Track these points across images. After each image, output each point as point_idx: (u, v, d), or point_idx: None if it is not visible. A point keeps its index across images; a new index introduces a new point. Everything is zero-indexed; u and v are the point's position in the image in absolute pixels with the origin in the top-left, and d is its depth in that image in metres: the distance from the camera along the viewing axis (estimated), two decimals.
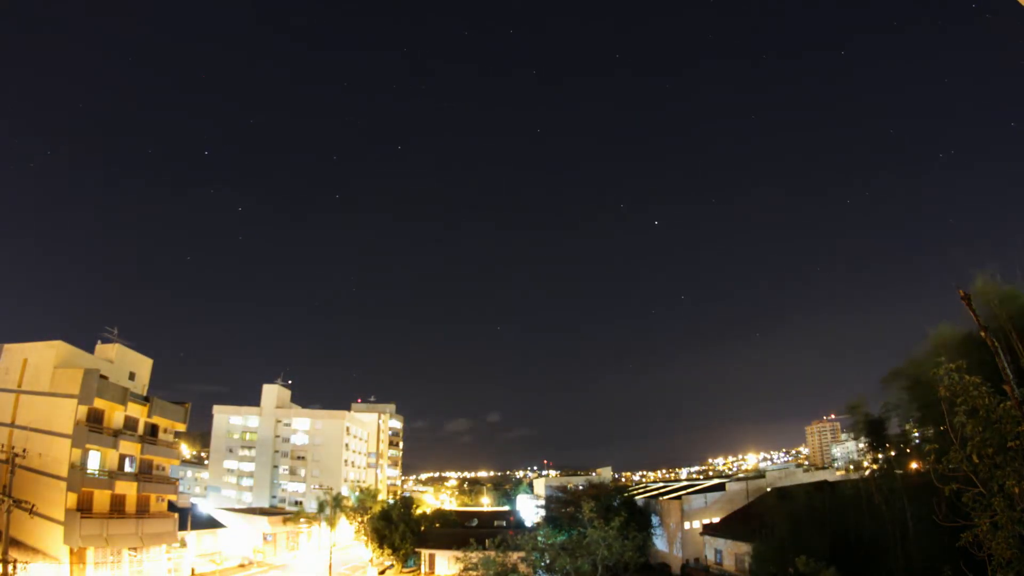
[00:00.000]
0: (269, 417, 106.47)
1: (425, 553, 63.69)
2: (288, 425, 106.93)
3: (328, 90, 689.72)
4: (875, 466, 39.85)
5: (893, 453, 38.90)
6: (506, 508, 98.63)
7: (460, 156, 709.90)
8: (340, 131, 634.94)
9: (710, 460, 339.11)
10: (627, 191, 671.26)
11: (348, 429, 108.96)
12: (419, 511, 73.25)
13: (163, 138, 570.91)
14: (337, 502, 67.20)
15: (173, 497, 54.89)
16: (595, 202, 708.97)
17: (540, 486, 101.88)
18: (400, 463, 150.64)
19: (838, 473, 78.44)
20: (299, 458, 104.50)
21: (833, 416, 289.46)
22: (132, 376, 53.15)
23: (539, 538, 52.84)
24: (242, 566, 63.15)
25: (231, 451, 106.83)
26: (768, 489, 56.17)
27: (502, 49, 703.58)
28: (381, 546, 63.21)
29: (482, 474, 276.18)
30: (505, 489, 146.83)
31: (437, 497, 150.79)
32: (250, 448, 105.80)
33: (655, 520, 60.00)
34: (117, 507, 46.83)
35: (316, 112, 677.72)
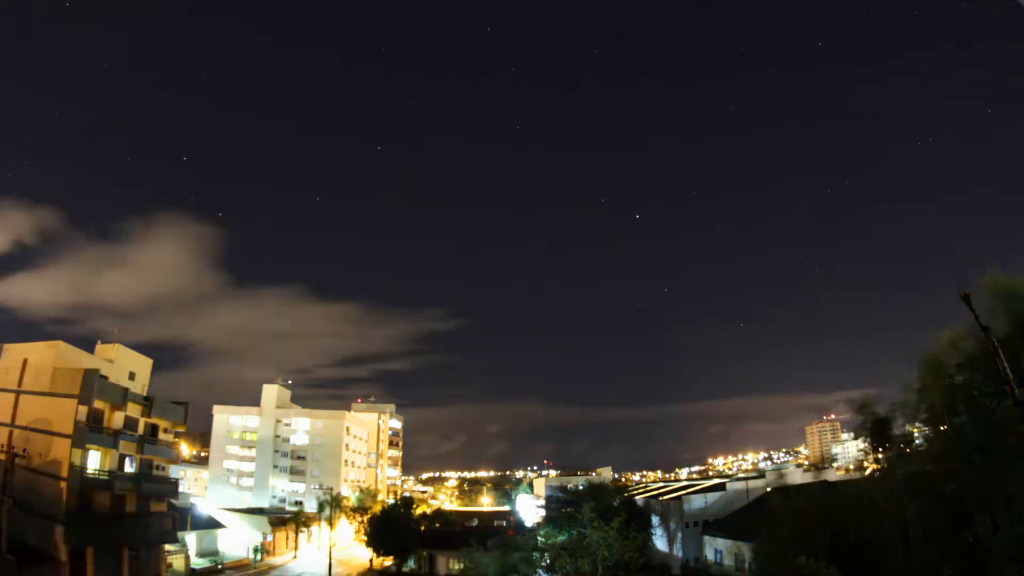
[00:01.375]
0: (269, 417, 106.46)
1: (425, 553, 63.68)
2: (288, 425, 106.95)
3: (308, 90, 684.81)
4: (876, 466, 39.85)
5: (894, 453, 38.88)
6: (506, 508, 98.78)
7: (443, 154, 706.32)
8: (321, 132, 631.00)
9: (710, 460, 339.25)
10: (611, 186, 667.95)
11: (348, 429, 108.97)
12: (419, 511, 73.30)
13: (146, 139, 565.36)
14: (337, 502, 67.25)
15: (173, 497, 54.86)
16: (577, 197, 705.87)
17: (540, 486, 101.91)
18: (400, 463, 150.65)
19: (838, 473, 78.38)
20: (299, 458, 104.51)
21: (833, 416, 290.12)
22: (132, 376, 53.14)
23: (539, 538, 52.84)
24: (242, 566, 63.16)
25: (231, 451, 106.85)
26: (768, 489, 56.17)
27: (483, 48, 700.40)
28: (381, 546, 63.20)
29: (482, 474, 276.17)
30: (505, 489, 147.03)
31: (437, 497, 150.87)
32: (250, 448, 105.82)
33: (655, 520, 59.97)
34: (117, 507, 46.82)
35: (296, 113, 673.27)
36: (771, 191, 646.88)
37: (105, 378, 47.17)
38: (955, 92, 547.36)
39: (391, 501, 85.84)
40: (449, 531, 66.25)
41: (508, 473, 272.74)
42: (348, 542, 73.43)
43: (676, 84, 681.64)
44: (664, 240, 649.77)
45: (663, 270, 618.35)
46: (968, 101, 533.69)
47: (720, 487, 61.65)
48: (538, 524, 62.36)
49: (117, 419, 48.28)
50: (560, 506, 62.06)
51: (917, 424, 35.56)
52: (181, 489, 65.79)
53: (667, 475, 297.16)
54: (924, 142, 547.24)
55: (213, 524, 65.85)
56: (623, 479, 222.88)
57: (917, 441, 36.60)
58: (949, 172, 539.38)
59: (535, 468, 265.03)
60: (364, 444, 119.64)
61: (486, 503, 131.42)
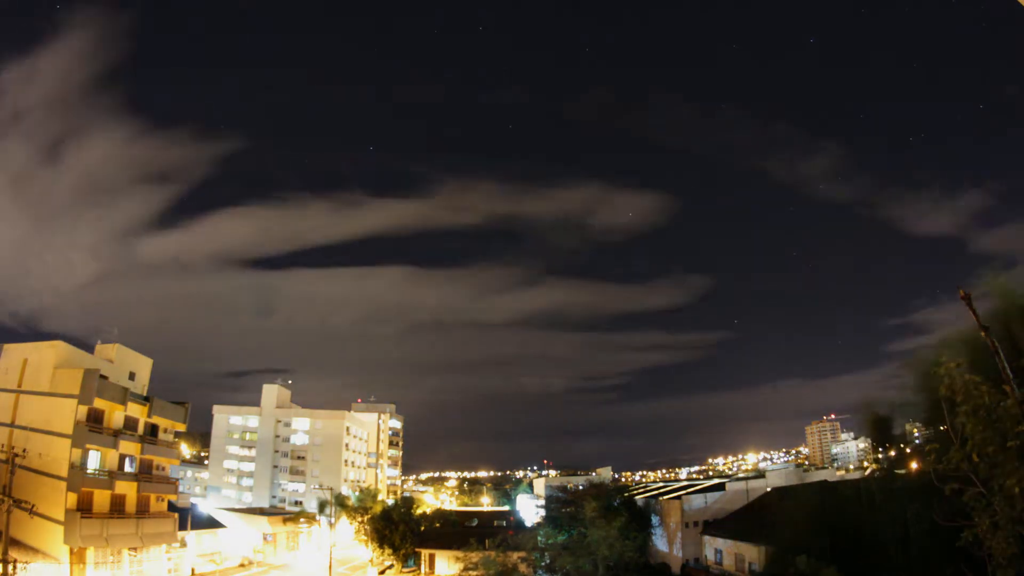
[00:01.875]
0: (269, 417, 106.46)
1: (425, 553, 63.69)
2: (288, 425, 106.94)
3: (296, 89, 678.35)
4: (875, 466, 39.88)
5: (893, 453, 38.92)
6: (506, 508, 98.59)
7: (433, 153, 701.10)
8: (311, 131, 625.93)
9: (710, 460, 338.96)
10: (603, 181, 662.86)
11: (348, 429, 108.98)
12: (419, 511, 73.21)
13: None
14: (338, 502, 67.23)
15: (173, 497, 54.86)
16: (569, 195, 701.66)
17: (540, 486, 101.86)
18: (400, 463, 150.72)
19: (838, 473, 78.43)
20: (299, 458, 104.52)
21: (833, 416, 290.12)
22: (132, 376, 53.15)
23: (539, 538, 52.86)
24: (242, 566, 63.15)
25: (231, 451, 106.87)
26: (768, 489, 56.20)
27: (474, 46, 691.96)
28: (381, 546, 63.17)
29: (482, 474, 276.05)
30: (505, 489, 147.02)
31: (437, 497, 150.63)
32: (250, 448, 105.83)
33: (655, 520, 59.96)
34: (117, 507, 46.80)
35: (283, 112, 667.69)
36: (770, 186, 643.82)
37: (105, 378, 47.20)
38: (942, 89, 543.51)
39: (391, 501, 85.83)
40: (449, 531, 66.20)
41: (508, 473, 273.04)
42: (348, 542, 73.41)
43: (664, 80, 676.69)
44: (662, 239, 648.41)
45: (657, 267, 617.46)
46: (961, 100, 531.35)
47: (720, 487, 61.60)
48: (538, 524, 62.36)
49: (117, 419, 48.32)
50: (560, 506, 62.10)
51: (917, 424, 35.60)
52: (181, 489, 65.90)
53: (667, 475, 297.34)
54: (916, 138, 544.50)
55: (213, 524, 65.82)
56: (623, 479, 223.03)
57: (917, 441, 36.64)
58: (950, 169, 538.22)
59: (535, 468, 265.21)
60: (364, 444, 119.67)
61: (486, 503, 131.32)
